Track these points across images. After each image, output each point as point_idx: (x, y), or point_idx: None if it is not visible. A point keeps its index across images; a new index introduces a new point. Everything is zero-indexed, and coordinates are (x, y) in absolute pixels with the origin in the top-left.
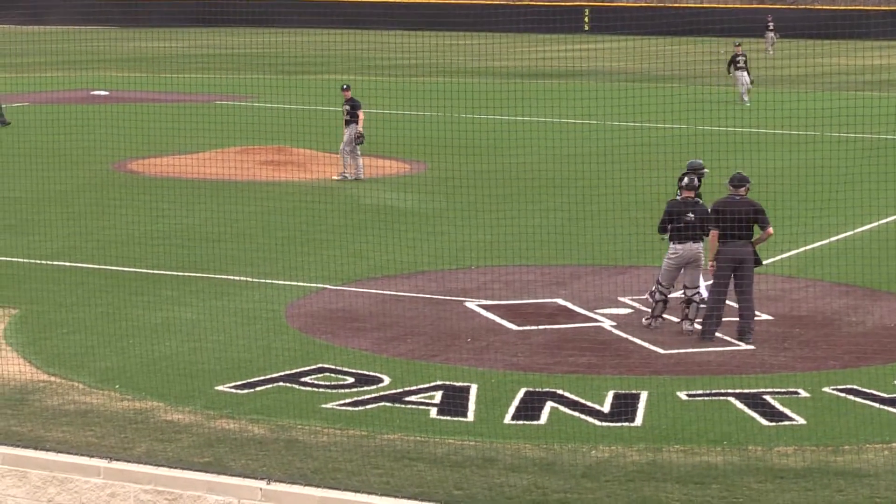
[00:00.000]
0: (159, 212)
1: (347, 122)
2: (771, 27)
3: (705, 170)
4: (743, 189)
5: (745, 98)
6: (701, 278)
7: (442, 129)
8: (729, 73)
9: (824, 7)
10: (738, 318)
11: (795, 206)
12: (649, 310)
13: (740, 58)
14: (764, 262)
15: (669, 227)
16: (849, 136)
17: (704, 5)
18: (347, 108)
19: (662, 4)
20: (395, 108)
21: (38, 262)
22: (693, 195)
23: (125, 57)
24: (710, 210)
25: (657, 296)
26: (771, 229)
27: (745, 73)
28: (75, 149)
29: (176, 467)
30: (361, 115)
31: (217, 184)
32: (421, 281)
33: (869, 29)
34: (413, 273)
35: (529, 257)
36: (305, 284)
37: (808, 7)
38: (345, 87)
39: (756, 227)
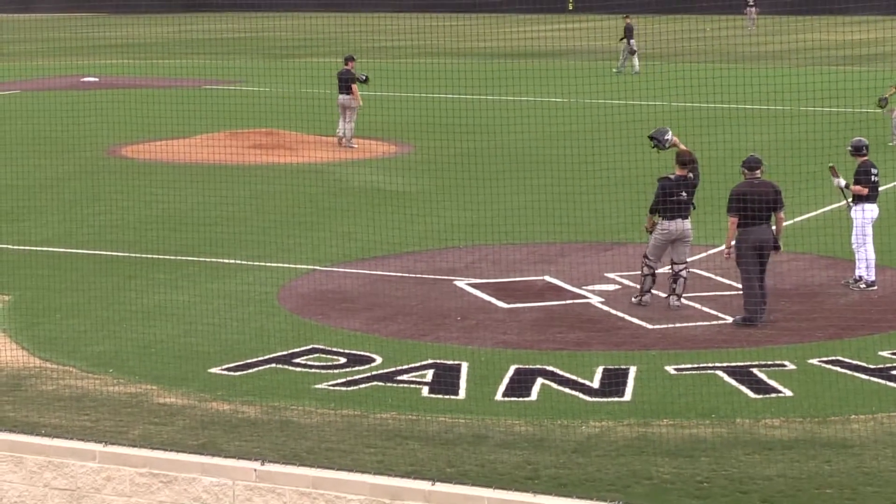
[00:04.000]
0: (151, 196)
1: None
2: (752, 3)
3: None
4: (759, 171)
5: (621, 68)
6: (688, 252)
7: (428, 110)
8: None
9: None
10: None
11: (780, 180)
12: (637, 286)
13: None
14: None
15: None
16: (830, 110)
17: None
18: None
19: None
20: (382, 91)
21: (31, 248)
22: (685, 173)
23: (115, 43)
24: (731, 196)
25: (645, 269)
26: (783, 215)
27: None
28: (67, 136)
29: (170, 450)
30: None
31: (208, 168)
32: (410, 261)
33: (848, 4)
34: (402, 253)
35: (517, 235)
36: (296, 266)
37: None
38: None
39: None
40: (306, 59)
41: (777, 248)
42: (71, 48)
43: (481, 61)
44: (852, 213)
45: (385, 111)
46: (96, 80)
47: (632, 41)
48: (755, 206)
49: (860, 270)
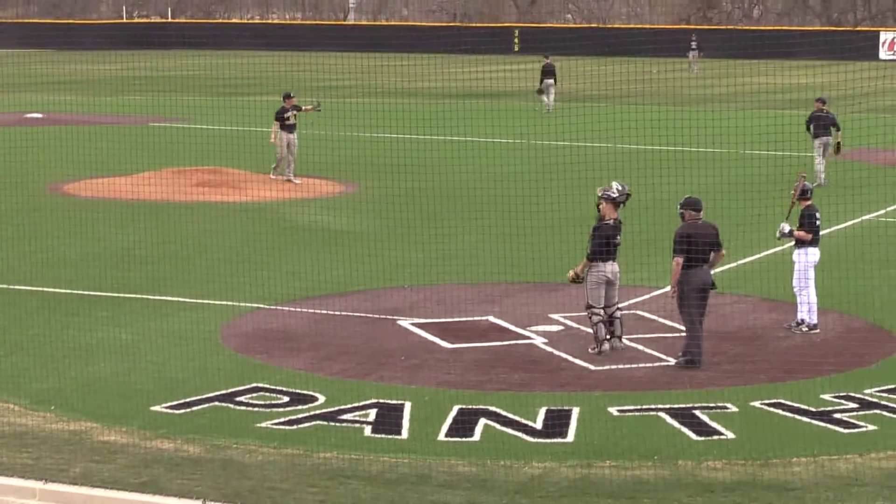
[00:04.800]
0: (94, 233)
1: (293, 128)
2: (694, 46)
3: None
4: (701, 212)
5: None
6: (617, 293)
7: (373, 149)
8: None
9: (750, 28)
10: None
11: (723, 222)
12: (581, 327)
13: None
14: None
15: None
16: (775, 153)
17: (630, 26)
18: (294, 112)
19: (590, 25)
20: (327, 129)
21: None
22: (617, 216)
23: (59, 80)
24: (676, 238)
25: (594, 318)
26: (723, 251)
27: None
28: (9, 171)
29: (112, 488)
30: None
31: (152, 205)
32: (354, 300)
33: (793, 49)
34: (346, 292)
35: (461, 275)
36: (240, 304)
37: (734, 28)
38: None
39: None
40: (252, 98)
41: (713, 286)
42: (15, 84)
43: (427, 101)
44: (795, 257)
45: (330, 150)
46: (40, 116)
47: (546, 80)
48: (699, 247)
49: (802, 313)
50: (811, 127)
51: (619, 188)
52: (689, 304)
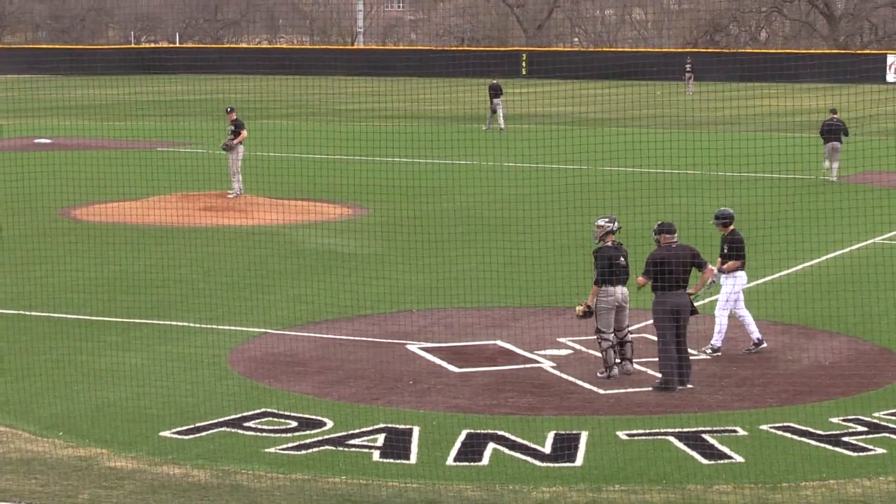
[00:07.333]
0: (103, 258)
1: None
2: (688, 69)
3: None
4: (676, 236)
5: (496, 125)
6: (628, 317)
7: (382, 173)
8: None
9: (756, 51)
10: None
11: None
12: (591, 352)
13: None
14: (702, 301)
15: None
16: (780, 176)
17: (637, 49)
18: (232, 128)
19: (597, 49)
20: (336, 153)
21: None
22: (614, 239)
23: (67, 105)
24: (648, 261)
25: (604, 344)
26: (711, 266)
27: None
28: (18, 196)
29: None
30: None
31: (159, 230)
32: (362, 324)
33: (798, 71)
34: (354, 317)
35: (469, 300)
36: (248, 329)
37: (739, 51)
38: (229, 109)
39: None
40: (260, 122)
41: (694, 311)
42: (24, 109)
43: (435, 125)
44: (723, 280)
45: (340, 174)
46: (49, 141)
47: (495, 100)
48: (672, 270)
49: (717, 339)
50: (823, 133)
51: (606, 221)
52: (661, 328)
